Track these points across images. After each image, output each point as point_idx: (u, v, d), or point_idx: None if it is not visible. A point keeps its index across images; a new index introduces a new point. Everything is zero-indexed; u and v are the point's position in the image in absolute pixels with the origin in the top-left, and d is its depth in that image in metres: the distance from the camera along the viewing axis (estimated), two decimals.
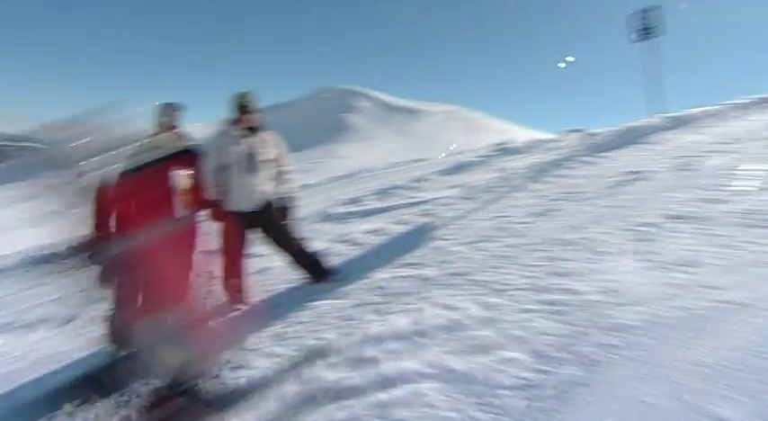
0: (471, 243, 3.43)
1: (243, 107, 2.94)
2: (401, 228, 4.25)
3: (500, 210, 4.23)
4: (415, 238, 3.84)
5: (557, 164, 5.74)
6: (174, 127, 2.83)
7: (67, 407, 2.27)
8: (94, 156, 2.63)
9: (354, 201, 5.84)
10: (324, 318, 2.66)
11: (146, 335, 2.70)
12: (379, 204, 5.60)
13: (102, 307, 2.98)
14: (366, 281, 3.09)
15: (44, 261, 10.13)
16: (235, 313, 3.05)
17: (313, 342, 2.41)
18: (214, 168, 2.92)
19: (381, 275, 3.13)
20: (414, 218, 4.57)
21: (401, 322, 2.36)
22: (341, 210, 5.46)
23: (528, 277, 2.59)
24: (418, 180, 6.36)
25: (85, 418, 2.21)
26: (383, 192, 6.09)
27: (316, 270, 3.22)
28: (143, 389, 2.33)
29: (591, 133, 8.31)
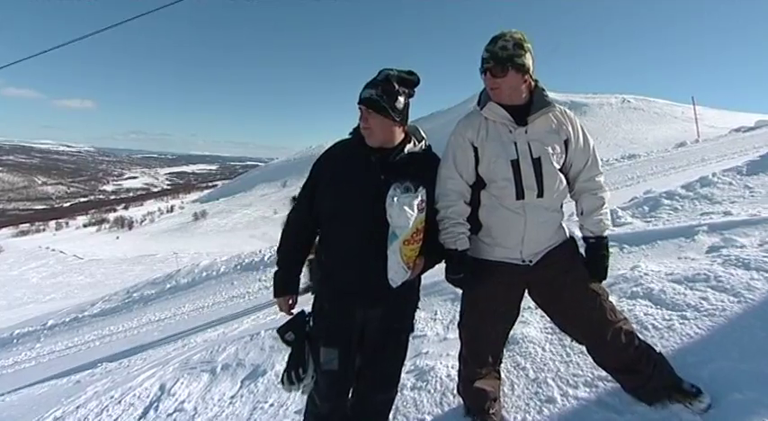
0: None
1: (498, 62, 1.53)
2: (754, 278, 2.28)
3: None
4: None
5: None
6: (400, 115, 1.63)
7: None
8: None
9: None
10: None
11: None
12: (646, 225, 3.64)
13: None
14: None
15: (251, 268, 11.32)
16: None
17: None
18: (455, 188, 1.62)
19: None
20: (759, 254, 2.52)
21: None
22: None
23: None
24: (698, 185, 4.09)
25: None
26: (643, 205, 4.05)
27: (652, 378, 1.61)
28: None
29: None
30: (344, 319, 1.62)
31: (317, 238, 1.74)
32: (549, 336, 2.34)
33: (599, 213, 1.65)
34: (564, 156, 1.62)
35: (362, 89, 1.61)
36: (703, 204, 3.69)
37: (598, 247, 1.67)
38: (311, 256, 1.80)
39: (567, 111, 1.65)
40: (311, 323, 1.71)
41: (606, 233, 1.68)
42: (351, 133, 1.70)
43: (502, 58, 1.51)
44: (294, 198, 1.87)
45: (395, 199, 1.46)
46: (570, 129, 1.62)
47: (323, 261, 1.70)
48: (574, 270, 1.66)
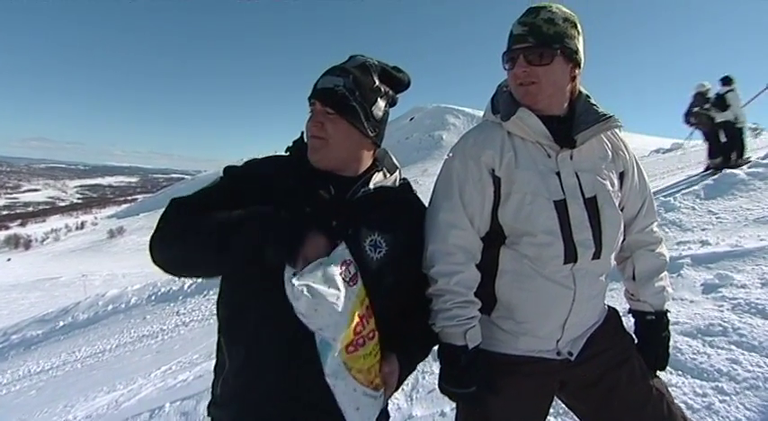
0: None
1: (542, 41, 0.95)
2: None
3: None
4: None
5: None
6: (376, 128, 1.00)
7: None
8: None
9: None
10: None
11: None
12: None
13: None
14: None
15: (168, 299, 9.79)
16: None
17: None
18: (462, 244, 1.00)
19: None
20: (766, 296, 2.22)
21: None
22: None
23: None
24: (662, 210, 3.90)
25: None
26: None
27: None
28: None
29: None
30: None
31: (218, 328, 1.00)
32: None
33: (660, 278, 1.15)
34: (619, 194, 1.07)
35: (321, 76, 0.96)
36: (674, 231, 3.48)
37: (659, 327, 1.16)
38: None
39: (617, 130, 1.10)
40: None
41: (667, 306, 1.17)
42: (288, 149, 1.02)
43: (548, 35, 0.94)
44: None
45: (294, 282, 0.77)
46: (627, 156, 1.09)
47: (224, 364, 0.97)
48: (629, 361, 1.11)
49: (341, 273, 0.81)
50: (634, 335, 1.19)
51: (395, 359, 0.93)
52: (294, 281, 0.77)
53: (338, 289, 0.79)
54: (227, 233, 0.82)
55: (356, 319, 0.81)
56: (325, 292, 0.77)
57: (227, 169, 1.00)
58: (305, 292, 0.76)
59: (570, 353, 1.06)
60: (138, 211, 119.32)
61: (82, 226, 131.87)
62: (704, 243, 3.05)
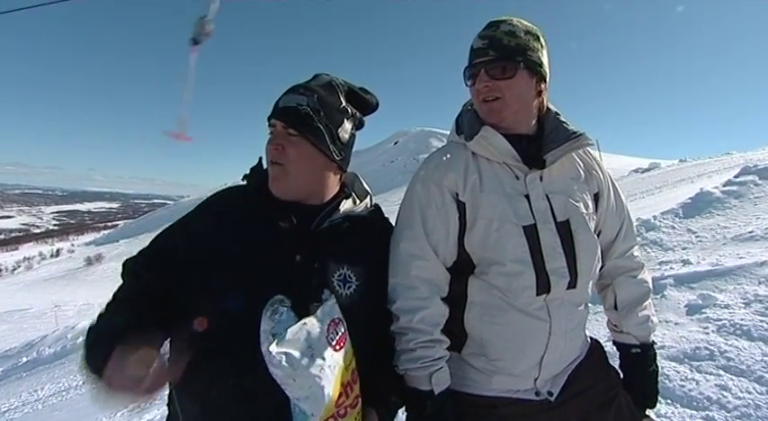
0: None
1: (503, 53, 0.89)
2: (767, 353, 1.87)
3: None
4: None
5: None
6: (342, 151, 0.92)
7: None
8: None
9: None
10: None
11: None
12: None
13: None
14: None
15: None
16: None
17: None
18: (426, 276, 0.90)
19: None
20: (754, 316, 2.18)
21: None
22: None
23: None
24: (643, 229, 3.90)
25: None
26: None
27: None
28: None
29: None
30: None
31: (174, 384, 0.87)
32: None
33: (643, 307, 1.07)
34: (594, 217, 1.00)
35: (283, 95, 0.89)
36: (656, 251, 3.46)
37: (645, 361, 1.07)
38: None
39: (590, 149, 1.04)
40: None
41: (653, 337, 1.09)
42: (246, 177, 0.93)
43: (509, 47, 0.89)
44: None
45: (272, 349, 0.67)
46: (601, 176, 1.03)
47: (177, 417, 0.84)
48: (615, 400, 1.02)
49: (327, 337, 0.72)
50: (619, 370, 1.10)
51: (375, 417, 0.86)
52: (272, 348, 0.67)
53: (323, 358, 0.70)
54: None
55: (339, 390, 0.72)
56: (307, 364, 0.68)
57: (165, 233, 0.90)
58: (283, 362, 0.66)
59: (550, 393, 0.96)
60: (117, 238, 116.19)
61: (57, 253, 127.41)
62: (686, 262, 3.03)
